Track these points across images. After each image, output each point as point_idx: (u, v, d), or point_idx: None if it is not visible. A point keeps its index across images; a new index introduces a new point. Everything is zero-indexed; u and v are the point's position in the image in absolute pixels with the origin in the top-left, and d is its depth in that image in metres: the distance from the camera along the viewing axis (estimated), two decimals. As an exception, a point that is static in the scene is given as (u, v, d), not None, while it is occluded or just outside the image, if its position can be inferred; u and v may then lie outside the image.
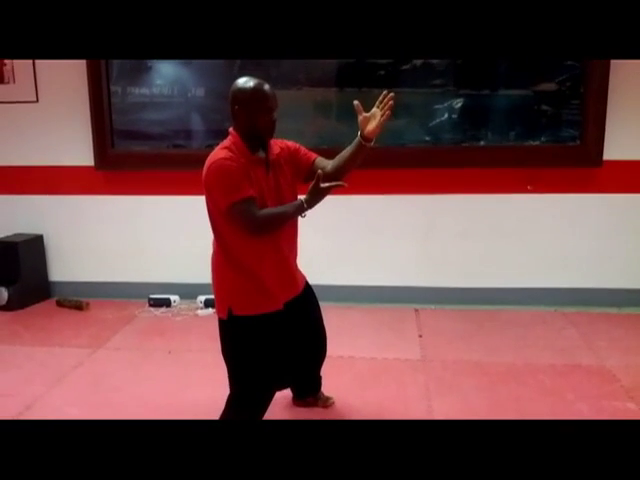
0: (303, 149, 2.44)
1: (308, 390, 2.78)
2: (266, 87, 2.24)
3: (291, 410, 2.78)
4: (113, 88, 4.14)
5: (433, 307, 4.07)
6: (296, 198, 2.33)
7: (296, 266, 2.50)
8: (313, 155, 2.43)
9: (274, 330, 2.32)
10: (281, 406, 2.77)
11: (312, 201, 2.21)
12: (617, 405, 2.77)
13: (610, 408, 2.75)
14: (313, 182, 2.19)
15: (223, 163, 2.16)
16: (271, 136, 2.31)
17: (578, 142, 3.91)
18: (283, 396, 2.74)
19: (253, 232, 2.23)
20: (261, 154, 2.30)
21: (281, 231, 2.32)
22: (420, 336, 3.62)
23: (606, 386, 2.96)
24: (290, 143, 2.43)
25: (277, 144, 2.37)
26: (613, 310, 3.95)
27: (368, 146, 2.27)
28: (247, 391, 2.34)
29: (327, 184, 2.19)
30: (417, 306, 4.07)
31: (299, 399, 2.80)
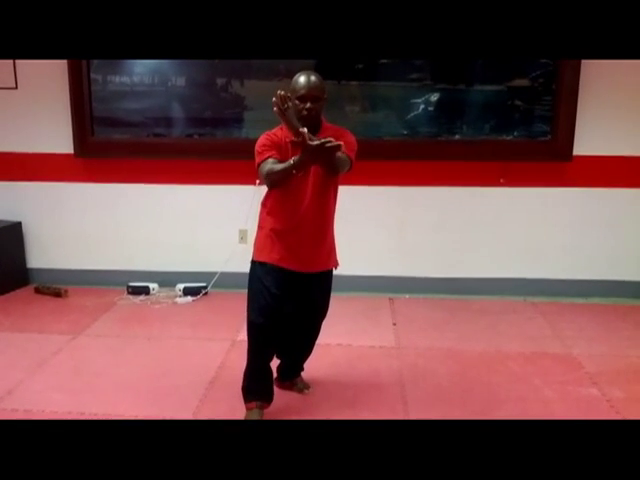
0: (348, 146, 2.39)
1: (288, 373, 2.90)
2: (309, 78, 2.38)
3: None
4: (93, 76, 4.14)
5: (407, 296, 4.17)
6: (327, 189, 2.49)
7: (319, 248, 2.61)
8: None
9: (275, 279, 2.54)
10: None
11: (300, 160, 2.24)
12: (581, 391, 2.91)
13: (575, 393, 2.88)
14: (300, 139, 2.17)
15: (261, 137, 2.48)
16: (305, 122, 2.34)
17: (549, 137, 4.03)
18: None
19: (265, 184, 2.47)
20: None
21: (302, 205, 2.47)
22: (394, 324, 3.72)
23: (571, 373, 3.09)
24: (344, 135, 2.44)
25: (333, 133, 2.35)
26: (580, 300, 4.10)
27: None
28: (250, 316, 2.59)
29: (317, 141, 2.15)
30: (391, 295, 4.17)
31: (281, 381, 2.90)
